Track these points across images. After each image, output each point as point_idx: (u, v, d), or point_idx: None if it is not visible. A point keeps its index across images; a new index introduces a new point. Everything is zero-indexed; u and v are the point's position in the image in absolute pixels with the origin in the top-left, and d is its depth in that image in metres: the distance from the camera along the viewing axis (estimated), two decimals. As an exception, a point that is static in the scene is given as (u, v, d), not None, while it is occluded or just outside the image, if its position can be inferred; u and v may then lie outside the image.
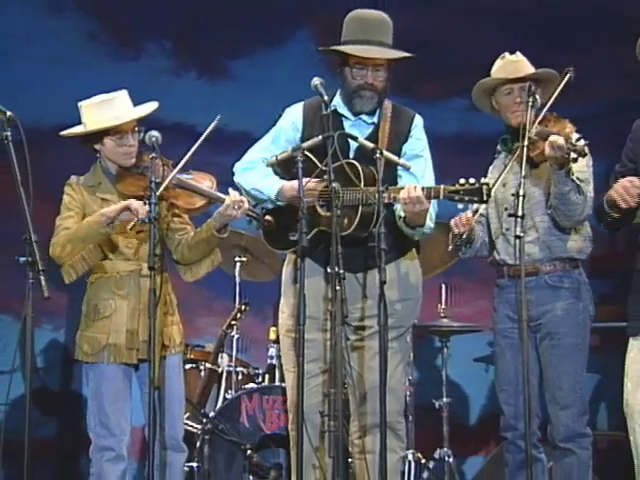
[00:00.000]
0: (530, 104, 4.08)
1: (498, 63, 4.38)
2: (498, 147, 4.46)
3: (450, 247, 4.35)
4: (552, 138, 3.96)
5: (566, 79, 4.09)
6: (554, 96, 4.08)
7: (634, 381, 3.87)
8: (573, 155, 3.93)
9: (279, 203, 4.18)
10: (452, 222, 4.27)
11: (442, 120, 5.51)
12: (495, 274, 4.41)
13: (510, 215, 3.98)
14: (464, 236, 4.25)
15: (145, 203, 4.00)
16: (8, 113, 3.72)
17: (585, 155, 3.98)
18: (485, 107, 4.44)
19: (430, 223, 4.14)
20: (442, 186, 3.93)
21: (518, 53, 4.37)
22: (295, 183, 4.02)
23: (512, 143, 4.29)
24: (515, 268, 4.08)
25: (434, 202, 4.05)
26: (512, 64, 4.34)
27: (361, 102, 4.22)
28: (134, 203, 4.09)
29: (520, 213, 3.86)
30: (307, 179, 3.94)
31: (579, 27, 6.10)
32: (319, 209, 4.10)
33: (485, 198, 3.86)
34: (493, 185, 4.16)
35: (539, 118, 4.08)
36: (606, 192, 3.98)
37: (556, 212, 4.20)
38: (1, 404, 5.47)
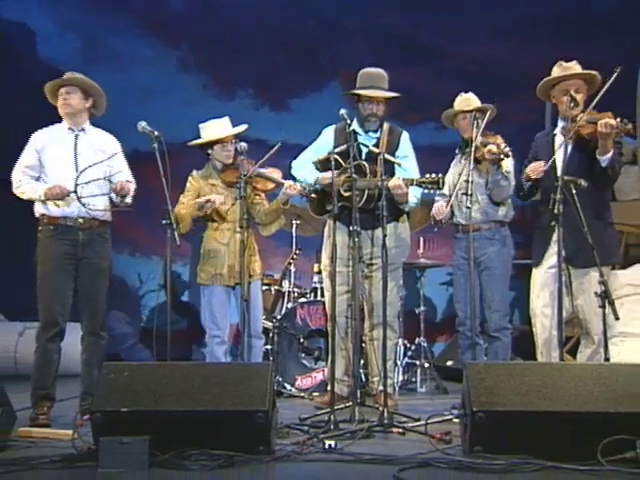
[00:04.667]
0: (475, 125, 4.04)
1: (457, 99, 4.35)
2: (456, 151, 4.42)
3: (435, 228, 4.28)
4: (488, 147, 3.96)
5: (492, 108, 4.11)
6: (485, 120, 4.04)
7: (535, 294, 3.85)
8: (502, 156, 3.93)
9: (317, 186, 4.21)
10: (434, 211, 4.21)
11: (421, 135, 5.39)
12: (454, 230, 4.38)
13: (463, 194, 3.94)
14: (443, 221, 4.21)
15: (238, 187, 3.97)
16: (156, 133, 3.76)
17: (509, 156, 3.96)
18: (449, 125, 4.41)
19: (414, 199, 4.19)
20: (414, 178, 3.99)
21: (470, 92, 4.33)
22: (326, 174, 4.10)
23: (465, 149, 4.25)
24: (466, 227, 4.06)
25: (418, 188, 4.05)
26: (466, 100, 4.31)
27: (369, 124, 4.26)
28: (213, 197, 4.11)
29: (469, 193, 3.84)
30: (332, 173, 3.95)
31: (501, 80, 6.14)
32: (342, 191, 4.12)
33: (441, 186, 3.92)
34: (459, 178, 4.14)
35: (480, 132, 4.04)
36: (520, 175, 3.97)
37: (491, 192, 4.19)
38: (154, 309, 5.55)
